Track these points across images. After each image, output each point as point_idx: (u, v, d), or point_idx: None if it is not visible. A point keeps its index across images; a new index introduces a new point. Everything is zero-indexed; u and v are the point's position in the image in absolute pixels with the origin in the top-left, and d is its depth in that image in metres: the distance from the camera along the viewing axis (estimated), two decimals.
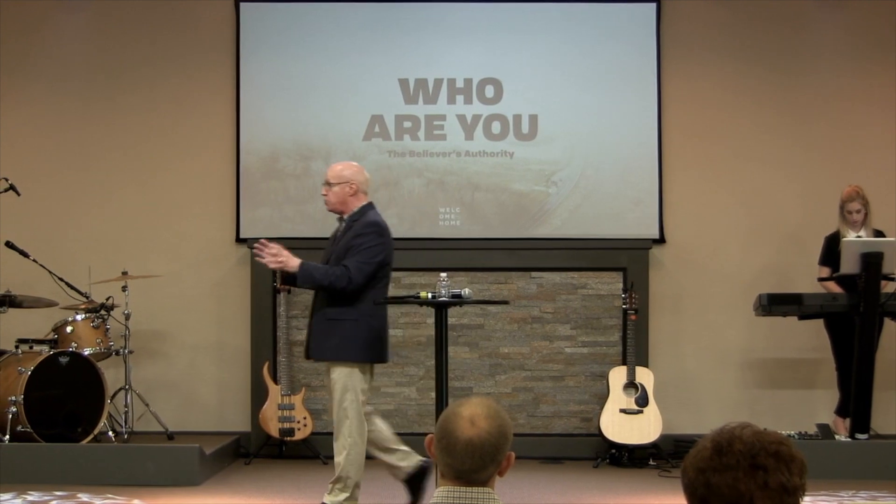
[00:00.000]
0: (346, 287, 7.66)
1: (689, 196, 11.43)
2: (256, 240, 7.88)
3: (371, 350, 7.80)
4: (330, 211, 8.01)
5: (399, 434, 11.01)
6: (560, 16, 11.47)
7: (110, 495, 8.58)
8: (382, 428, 7.94)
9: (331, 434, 7.88)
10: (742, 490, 2.71)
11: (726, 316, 11.30)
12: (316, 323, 7.77)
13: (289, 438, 10.55)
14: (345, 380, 7.66)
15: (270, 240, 7.79)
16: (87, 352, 10.12)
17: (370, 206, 7.97)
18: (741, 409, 11.04)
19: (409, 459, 7.89)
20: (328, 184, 7.90)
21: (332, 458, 10.28)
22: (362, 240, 7.73)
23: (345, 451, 7.66)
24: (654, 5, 11.41)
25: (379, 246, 7.78)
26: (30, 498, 8.43)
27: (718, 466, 2.74)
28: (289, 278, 7.78)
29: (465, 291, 9.24)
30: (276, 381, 10.63)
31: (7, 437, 9.54)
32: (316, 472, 9.78)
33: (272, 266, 7.68)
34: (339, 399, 7.66)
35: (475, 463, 3.34)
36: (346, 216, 7.90)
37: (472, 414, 3.36)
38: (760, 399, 11.33)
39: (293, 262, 7.58)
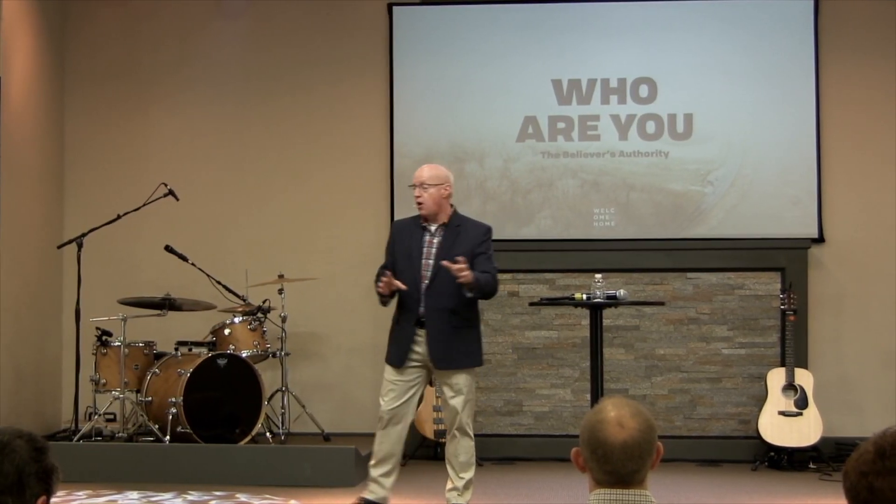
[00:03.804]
0: (496, 292, 8.00)
1: (849, 195, 11.20)
2: None
3: (483, 352, 8.14)
4: (423, 216, 7.91)
5: (553, 436, 11.04)
6: (714, 13, 11.33)
7: (268, 496, 8.69)
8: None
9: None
10: None
11: (889, 316, 11.05)
12: (439, 332, 7.78)
13: (444, 440, 10.56)
14: (471, 384, 7.91)
15: None
16: (244, 354, 10.26)
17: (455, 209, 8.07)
18: None
19: (380, 488, 8.00)
20: (422, 185, 7.84)
21: (489, 460, 10.31)
22: (487, 245, 7.92)
23: (472, 451, 7.96)
24: (811, 2, 11.21)
25: None
26: (189, 497, 8.57)
27: (882, 470, 2.67)
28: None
29: (621, 292, 9.22)
30: (431, 383, 10.66)
31: (167, 437, 9.72)
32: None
33: (461, 280, 7.59)
34: (466, 401, 7.87)
35: (635, 463, 3.30)
36: (442, 223, 7.90)
37: (617, 416, 3.33)
38: None
39: (472, 276, 7.60)
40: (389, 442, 7.90)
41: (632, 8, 11.43)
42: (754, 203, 11.18)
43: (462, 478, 7.88)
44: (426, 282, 7.77)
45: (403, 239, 7.96)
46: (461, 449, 7.85)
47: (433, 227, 7.88)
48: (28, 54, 11.05)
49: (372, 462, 7.98)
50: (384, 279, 7.70)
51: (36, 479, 2.87)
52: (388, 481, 7.95)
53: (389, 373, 7.92)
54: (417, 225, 7.96)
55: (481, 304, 8.08)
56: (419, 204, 7.86)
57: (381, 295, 7.84)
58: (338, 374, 11.47)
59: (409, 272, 7.77)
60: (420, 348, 7.80)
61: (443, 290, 7.73)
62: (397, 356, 7.90)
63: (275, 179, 11.66)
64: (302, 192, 11.63)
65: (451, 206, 7.97)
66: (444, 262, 7.63)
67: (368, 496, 7.92)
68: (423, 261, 7.80)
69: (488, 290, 7.80)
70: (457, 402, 7.80)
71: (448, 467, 7.95)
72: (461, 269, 7.50)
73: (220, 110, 11.74)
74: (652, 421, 3.38)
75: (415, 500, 8.81)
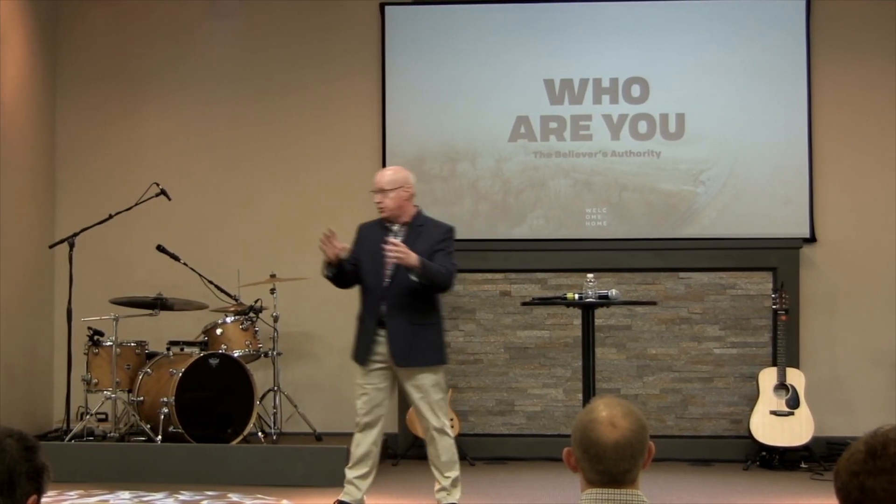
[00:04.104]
0: (450, 287, 7.96)
1: (841, 194, 11.20)
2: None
3: (445, 351, 8.12)
4: (385, 218, 7.93)
5: (545, 436, 11.03)
6: (706, 13, 11.33)
7: (259, 495, 8.68)
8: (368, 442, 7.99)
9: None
10: None
11: (881, 316, 11.06)
12: (398, 329, 7.79)
13: None
14: (438, 382, 7.90)
15: None
16: (236, 354, 10.25)
17: (420, 209, 8.07)
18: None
19: (356, 490, 7.97)
20: (382, 191, 7.87)
21: (480, 459, 10.31)
22: (447, 244, 7.93)
23: (453, 449, 7.91)
24: (803, 2, 11.21)
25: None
26: (181, 497, 8.56)
27: (873, 470, 2.67)
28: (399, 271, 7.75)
29: (613, 292, 9.23)
30: None
31: (159, 437, 9.71)
32: (463, 474, 9.76)
33: (394, 259, 7.59)
34: (435, 401, 7.85)
35: (628, 463, 3.30)
36: (404, 222, 7.92)
37: (609, 416, 3.33)
38: None
39: (412, 257, 7.57)
40: (367, 444, 7.92)
41: (624, 8, 11.42)
42: (746, 203, 11.18)
43: (448, 477, 7.87)
44: (387, 280, 7.79)
45: (367, 239, 8.00)
46: (441, 449, 7.84)
47: (395, 227, 7.91)
48: (20, 54, 11.03)
49: (349, 464, 7.99)
50: (325, 234, 7.69)
51: (26, 479, 2.87)
52: (364, 484, 7.94)
53: (359, 375, 7.96)
54: (381, 225, 7.99)
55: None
56: (381, 209, 7.92)
57: (326, 263, 7.81)
58: (330, 373, 11.45)
59: (373, 271, 7.81)
60: (382, 348, 7.82)
61: (403, 289, 7.74)
62: (360, 353, 7.95)
63: (267, 179, 11.65)
64: (294, 191, 11.61)
65: (416, 206, 8.00)
66: (386, 238, 7.69)
67: (344, 498, 7.92)
68: (385, 259, 7.82)
69: (438, 282, 7.74)
70: (425, 403, 7.80)
71: (433, 469, 7.94)
72: (396, 249, 7.51)
73: (212, 110, 11.73)
74: (644, 420, 3.38)
75: (406, 500, 8.81)
